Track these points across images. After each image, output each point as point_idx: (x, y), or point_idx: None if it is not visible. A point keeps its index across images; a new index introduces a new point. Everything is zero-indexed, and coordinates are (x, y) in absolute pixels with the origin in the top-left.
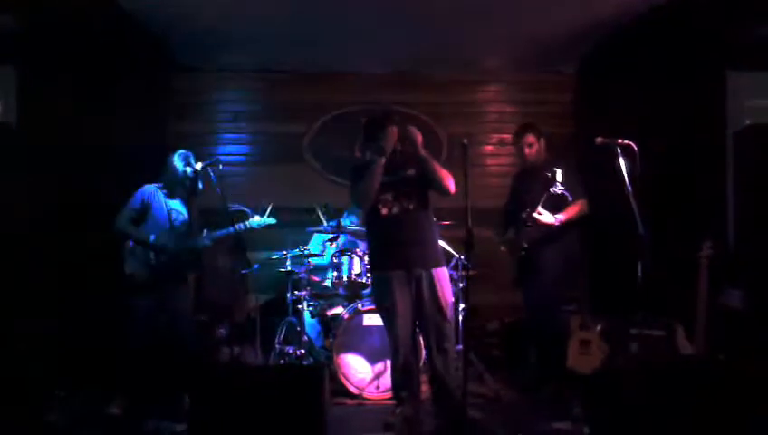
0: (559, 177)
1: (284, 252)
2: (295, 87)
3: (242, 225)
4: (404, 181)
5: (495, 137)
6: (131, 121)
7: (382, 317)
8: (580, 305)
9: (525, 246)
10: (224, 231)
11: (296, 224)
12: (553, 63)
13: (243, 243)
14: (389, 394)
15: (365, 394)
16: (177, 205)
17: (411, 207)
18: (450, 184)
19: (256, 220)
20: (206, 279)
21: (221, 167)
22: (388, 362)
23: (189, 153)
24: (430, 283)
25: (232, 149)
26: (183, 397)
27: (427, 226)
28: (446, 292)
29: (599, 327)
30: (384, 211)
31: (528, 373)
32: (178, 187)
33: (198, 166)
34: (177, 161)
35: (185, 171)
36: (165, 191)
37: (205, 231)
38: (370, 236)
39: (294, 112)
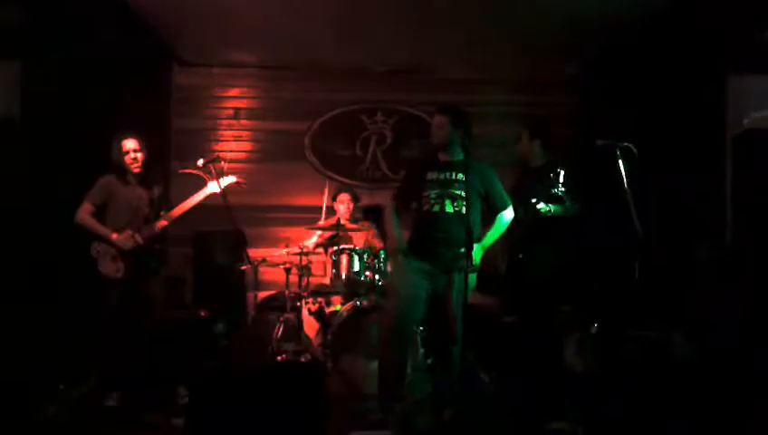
0: (561, 178)
1: (283, 249)
2: (297, 84)
3: (199, 194)
4: (449, 183)
5: (497, 137)
6: (133, 117)
7: (388, 306)
8: (577, 306)
9: (519, 247)
10: (182, 206)
11: (296, 221)
12: (555, 65)
13: (242, 239)
14: (386, 391)
15: (362, 391)
16: (136, 192)
17: (452, 209)
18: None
19: (215, 185)
20: (205, 275)
21: (223, 164)
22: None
23: (127, 134)
24: (449, 285)
25: (233, 146)
26: (179, 390)
27: (462, 229)
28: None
29: (595, 328)
30: (425, 207)
31: (523, 373)
32: (128, 172)
33: (200, 162)
34: (116, 145)
35: (126, 154)
36: (121, 179)
37: (162, 213)
38: (411, 227)
39: (296, 109)
